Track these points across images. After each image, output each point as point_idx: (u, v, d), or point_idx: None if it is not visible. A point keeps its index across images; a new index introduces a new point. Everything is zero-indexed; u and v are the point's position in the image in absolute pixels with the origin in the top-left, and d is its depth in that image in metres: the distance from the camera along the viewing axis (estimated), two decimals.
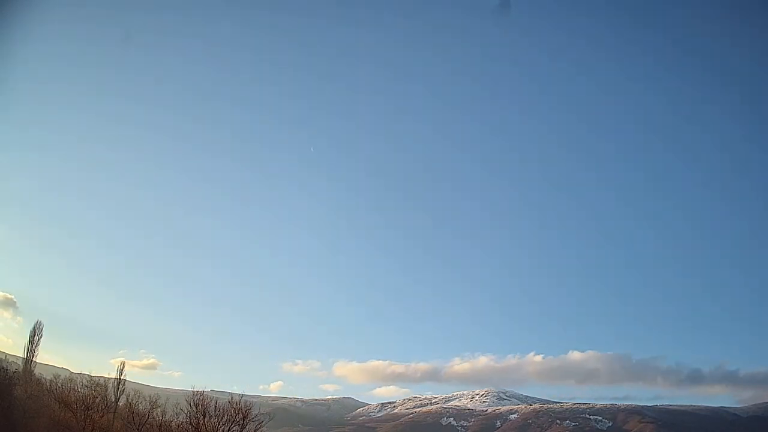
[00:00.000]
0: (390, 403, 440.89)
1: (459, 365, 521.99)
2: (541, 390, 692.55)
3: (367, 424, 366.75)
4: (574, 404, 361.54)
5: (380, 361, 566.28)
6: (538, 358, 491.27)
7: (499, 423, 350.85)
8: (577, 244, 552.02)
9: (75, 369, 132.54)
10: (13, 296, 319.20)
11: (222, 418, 65.57)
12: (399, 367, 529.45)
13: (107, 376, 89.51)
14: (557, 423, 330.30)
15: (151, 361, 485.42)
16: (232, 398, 69.13)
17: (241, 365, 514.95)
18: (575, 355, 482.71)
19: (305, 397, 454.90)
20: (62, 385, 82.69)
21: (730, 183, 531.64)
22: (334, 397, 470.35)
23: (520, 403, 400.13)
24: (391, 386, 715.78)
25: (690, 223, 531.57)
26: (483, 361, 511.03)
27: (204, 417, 64.47)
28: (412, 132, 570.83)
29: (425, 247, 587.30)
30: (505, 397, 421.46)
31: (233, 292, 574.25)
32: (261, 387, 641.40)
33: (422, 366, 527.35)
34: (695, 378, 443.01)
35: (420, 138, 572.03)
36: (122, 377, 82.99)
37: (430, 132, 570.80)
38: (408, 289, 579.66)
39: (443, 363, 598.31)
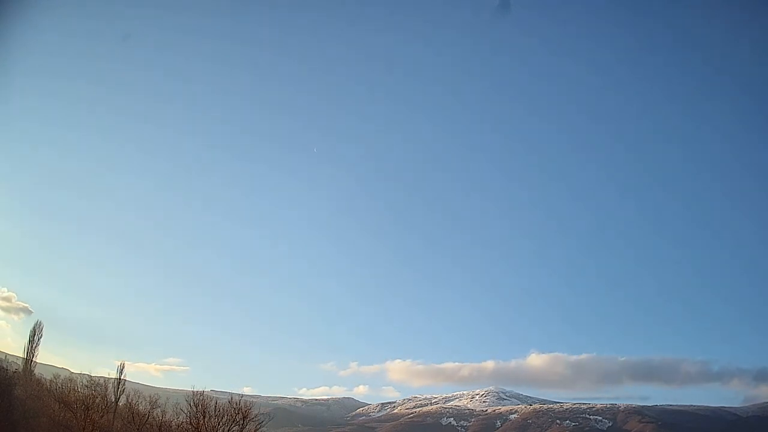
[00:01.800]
0: (390, 403, 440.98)
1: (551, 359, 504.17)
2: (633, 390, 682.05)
3: (367, 424, 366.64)
4: (574, 404, 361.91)
5: (452, 363, 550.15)
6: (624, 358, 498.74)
7: (499, 423, 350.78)
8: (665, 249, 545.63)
9: (75, 369, 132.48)
10: (28, 305, 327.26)
11: (222, 418, 65.61)
12: (476, 367, 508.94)
13: (107, 376, 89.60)
14: (557, 423, 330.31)
15: (173, 365, 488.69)
16: (232, 398, 69.22)
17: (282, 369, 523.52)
18: (660, 357, 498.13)
19: (305, 397, 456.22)
20: (62, 385, 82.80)
21: None
22: (334, 397, 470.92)
23: (520, 403, 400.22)
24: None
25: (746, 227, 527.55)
26: (583, 358, 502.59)
27: (204, 417, 64.46)
28: (416, 131, 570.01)
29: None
30: (505, 397, 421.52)
31: (255, 294, 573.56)
32: (300, 390, 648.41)
33: (509, 365, 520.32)
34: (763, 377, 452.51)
35: (424, 137, 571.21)
36: (122, 377, 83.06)
37: (435, 131, 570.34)
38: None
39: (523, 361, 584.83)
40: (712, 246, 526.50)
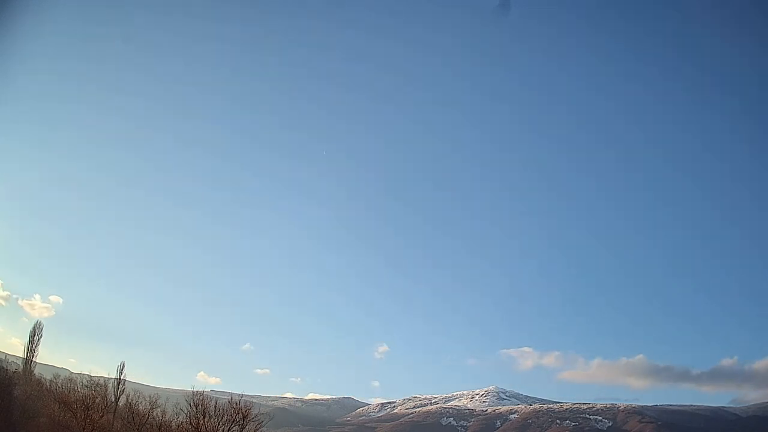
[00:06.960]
0: (390, 403, 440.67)
1: None
2: None
3: (367, 424, 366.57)
4: (574, 404, 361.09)
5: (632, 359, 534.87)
6: None
7: (499, 423, 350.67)
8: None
9: (75, 369, 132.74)
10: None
11: (222, 418, 65.53)
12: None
13: (107, 376, 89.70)
14: (557, 423, 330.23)
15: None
16: (231, 398, 69.21)
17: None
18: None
19: (305, 397, 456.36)
20: (62, 385, 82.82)
21: None
22: (334, 397, 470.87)
23: (520, 403, 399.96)
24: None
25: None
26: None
27: (204, 417, 64.37)
28: (415, 134, 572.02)
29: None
30: (505, 397, 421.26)
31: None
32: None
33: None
34: None
35: (423, 140, 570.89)
36: (122, 377, 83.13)
37: (435, 134, 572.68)
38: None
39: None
40: (704, 247, 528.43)
